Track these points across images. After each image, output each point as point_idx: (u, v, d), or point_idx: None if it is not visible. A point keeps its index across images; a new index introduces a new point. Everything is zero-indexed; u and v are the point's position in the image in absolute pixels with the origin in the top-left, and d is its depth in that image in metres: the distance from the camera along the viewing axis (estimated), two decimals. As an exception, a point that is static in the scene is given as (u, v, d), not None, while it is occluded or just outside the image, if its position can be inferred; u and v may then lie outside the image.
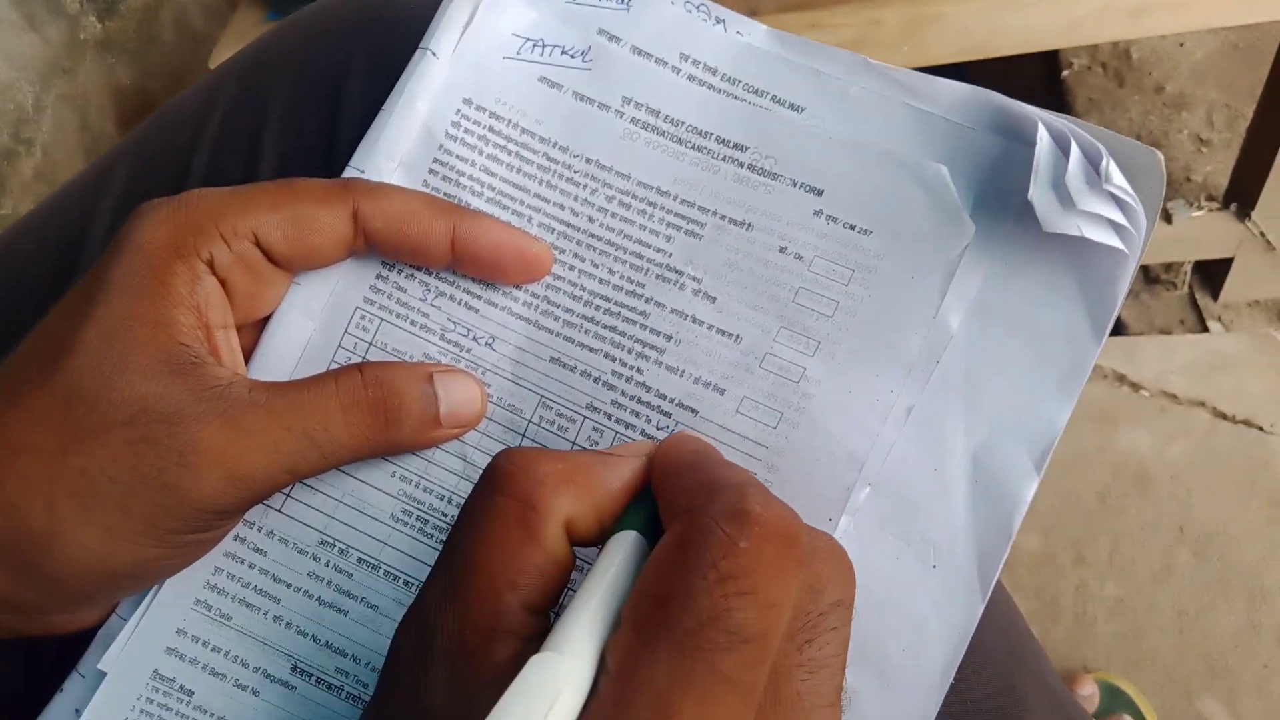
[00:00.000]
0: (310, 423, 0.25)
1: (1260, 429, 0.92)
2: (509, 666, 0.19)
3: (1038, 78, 1.33)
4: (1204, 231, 0.99)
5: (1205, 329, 1.04)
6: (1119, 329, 1.07)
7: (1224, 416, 0.94)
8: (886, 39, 0.86)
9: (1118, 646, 0.84)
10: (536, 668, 0.18)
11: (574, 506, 0.21)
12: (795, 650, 0.19)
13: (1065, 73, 1.27)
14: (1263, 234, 0.97)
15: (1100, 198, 0.24)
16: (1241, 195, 0.98)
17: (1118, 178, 0.24)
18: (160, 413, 0.23)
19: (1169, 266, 1.08)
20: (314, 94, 0.32)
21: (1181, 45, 1.24)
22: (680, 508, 0.20)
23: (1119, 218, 0.24)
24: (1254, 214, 0.96)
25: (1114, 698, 0.80)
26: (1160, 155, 0.25)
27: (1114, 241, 0.24)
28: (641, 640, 0.18)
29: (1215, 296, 1.06)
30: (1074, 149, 0.25)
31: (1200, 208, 0.99)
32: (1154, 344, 1.00)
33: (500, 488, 0.21)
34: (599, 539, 0.22)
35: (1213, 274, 1.06)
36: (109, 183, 0.34)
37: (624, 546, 0.21)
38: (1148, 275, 1.10)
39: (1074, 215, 0.24)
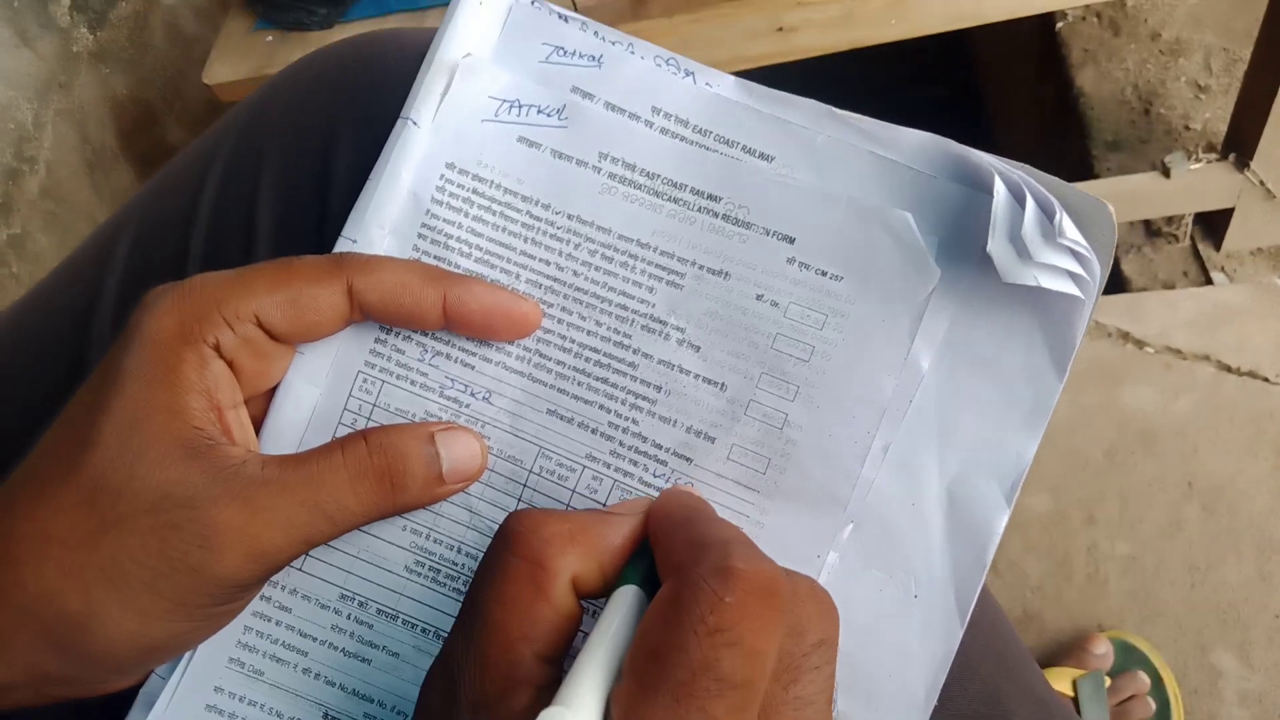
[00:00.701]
0: (321, 495, 0.26)
1: (1265, 380, 0.92)
2: (525, 714, 0.21)
3: (1032, 32, 1.32)
4: (1203, 183, 0.99)
5: (1209, 280, 1.04)
6: (1122, 286, 1.08)
7: (1229, 369, 0.94)
8: (873, 13, 0.86)
9: (1130, 604, 0.86)
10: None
11: (579, 564, 0.23)
12: (782, 690, 0.21)
13: (1060, 25, 1.26)
14: (1262, 182, 0.97)
15: (1055, 250, 0.25)
16: (1240, 144, 0.97)
17: (1071, 231, 0.25)
18: (180, 498, 0.25)
19: (1170, 219, 1.08)
20: (304, 159, 0.34)
21: (1176, -10, 1.23)
22: (673, 565, 0.22)
23: (1074, 268, 0.25)
24: (1253, 163, 0.96)
25: (1128, 655, 0.82)
26: (1111, 208, 0.26)
27: (1070, 290, 0.26)
28: (641, 690, 0.20)
29: (1218, 247, 1.06)
30: (1029, 203, 0.26)
31: (1199, 160, 0.99)
32: (1156, 299, 1.00)
33: (512, 549, 0.23)
34: (603, 592, 0.24)
35: (1214, 225, 1.06)
36: (112, 257, 0.35)
37: (625, 602, 0.23)
38: (1149, 229, 1.10)
39: (1031, 267, 0.26)
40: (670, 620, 0.20)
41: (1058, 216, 0.25)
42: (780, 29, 0.89)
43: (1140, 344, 0.97)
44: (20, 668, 0.25)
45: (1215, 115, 1.12)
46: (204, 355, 0.26)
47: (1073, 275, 0.25)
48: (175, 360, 0.26)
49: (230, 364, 0.27)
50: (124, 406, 0.26)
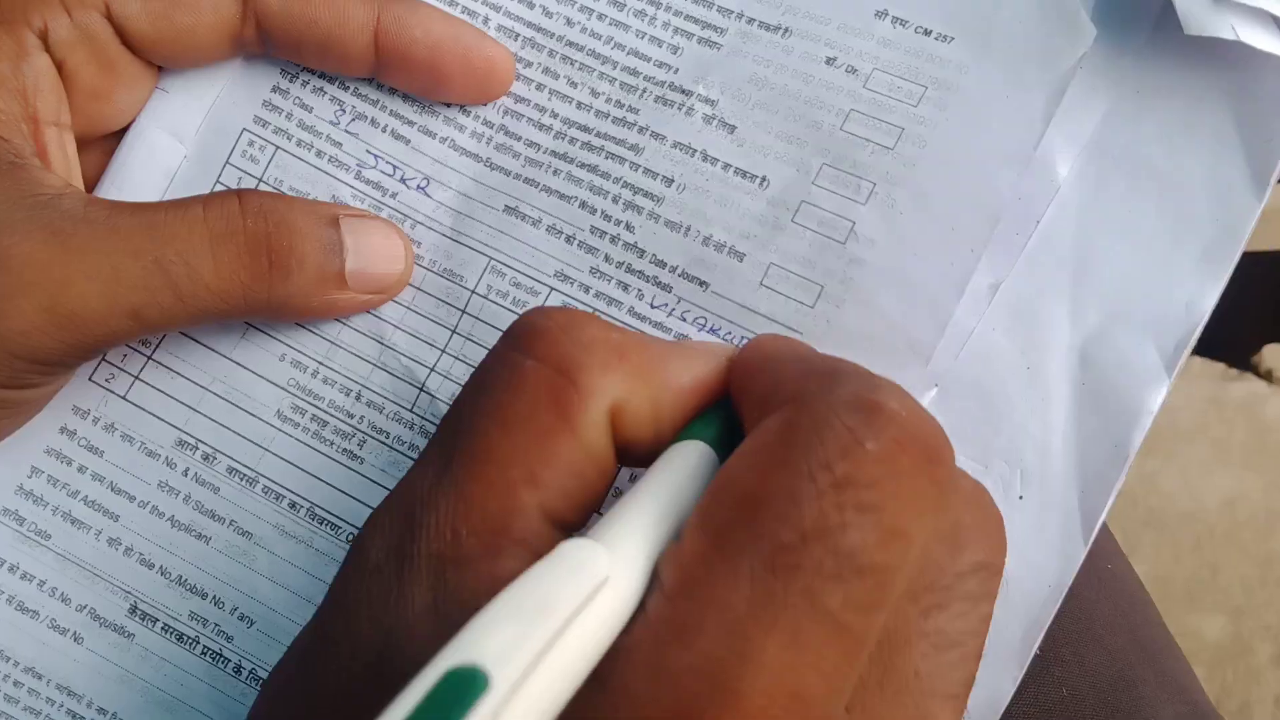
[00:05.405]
0: (166, 250, 0.18)
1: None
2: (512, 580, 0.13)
3: None
4: None
5: None
6: None
7: None
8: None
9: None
10: (572, 550, 0.13)
11: (625, 389, 0.15)
12: (920, 614, 0.14)
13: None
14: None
15: None
16: None
17: None
18: None
19: None
20: None
21: None
22: (785, 396, 0.15)
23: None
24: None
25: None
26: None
27: None
28: (717, 551, 0.13)
29: None
30: None
31: None
32: None
33: (529, 349, 0.15)
34: (650, 448, 0.16)
35: None
36: None
37: (691, 454, 0.15)
38: None
39: (1227, 13, 0.18)
40: (776, 459, 0.13)
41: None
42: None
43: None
44: None
45: None
46: (24, 42, 0.19)
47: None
48: None
49: (60, 66, 0.20)
50: None
